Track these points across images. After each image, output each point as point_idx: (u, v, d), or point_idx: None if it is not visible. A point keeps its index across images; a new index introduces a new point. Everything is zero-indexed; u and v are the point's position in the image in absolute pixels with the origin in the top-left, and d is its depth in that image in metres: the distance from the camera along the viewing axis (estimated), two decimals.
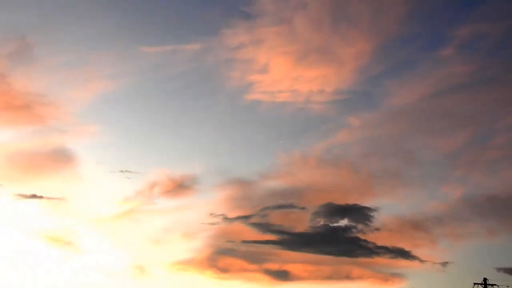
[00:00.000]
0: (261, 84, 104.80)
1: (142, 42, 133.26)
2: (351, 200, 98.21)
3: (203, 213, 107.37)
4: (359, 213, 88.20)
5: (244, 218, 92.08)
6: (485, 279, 45.32)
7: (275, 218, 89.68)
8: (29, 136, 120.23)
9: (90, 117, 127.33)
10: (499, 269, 70.50)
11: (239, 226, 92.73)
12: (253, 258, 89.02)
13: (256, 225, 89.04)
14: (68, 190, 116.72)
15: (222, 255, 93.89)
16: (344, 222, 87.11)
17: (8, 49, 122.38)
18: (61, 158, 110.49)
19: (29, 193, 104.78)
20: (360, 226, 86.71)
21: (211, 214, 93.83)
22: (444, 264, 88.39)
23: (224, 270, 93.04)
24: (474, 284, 45.58)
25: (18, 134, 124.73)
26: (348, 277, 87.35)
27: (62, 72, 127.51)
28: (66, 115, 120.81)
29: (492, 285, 45.08)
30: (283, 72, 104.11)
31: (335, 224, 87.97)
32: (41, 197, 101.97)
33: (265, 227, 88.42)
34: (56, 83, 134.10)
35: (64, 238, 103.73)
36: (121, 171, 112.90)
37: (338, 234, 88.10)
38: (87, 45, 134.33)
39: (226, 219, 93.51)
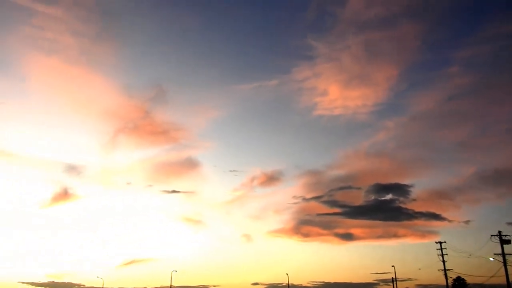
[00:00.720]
0: (322, 104, 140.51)
1: (236, 82, 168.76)
2: (393, 180, 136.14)
3: (287, 196, 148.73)
4: (399, 189, 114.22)
5: (317, 197, 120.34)
6: (499, 232, 49.36)
7: (339, 196, 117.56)
8: (168, 152, 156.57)
9: (207, 136, 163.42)
10: (509, 224, 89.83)
11: (314, 203, 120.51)
12: (325, 226, 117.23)
13: (326, 202, 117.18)
14: (196, 185, 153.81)
15: (303, 225, 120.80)
16: (389, 196, 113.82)
17: (150, 94, 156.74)
18: (190, 164, 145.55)
19: (170, 189, 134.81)
20: (401, 198, 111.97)
21: (294, 196, 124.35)
22: (467, 222, 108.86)
23: (306, 235, 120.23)
24: (491, 235, 49.41)
25: (160, 151, 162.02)
26: (395, 235, 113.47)
27: (187, 107, 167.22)
28: (191, 135, 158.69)
29: (505, 235, 49.07)
30: (337, 94, 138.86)
31: (383, 198, 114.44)
32: (178, 191, 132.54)
33: (332, 203, 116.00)
34: (183, 115, 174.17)
35: (195, 218, 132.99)
36: (230, 170, 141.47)
37: (385, 205, 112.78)
38: (201, 87, 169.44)
39: (304, 199, 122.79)
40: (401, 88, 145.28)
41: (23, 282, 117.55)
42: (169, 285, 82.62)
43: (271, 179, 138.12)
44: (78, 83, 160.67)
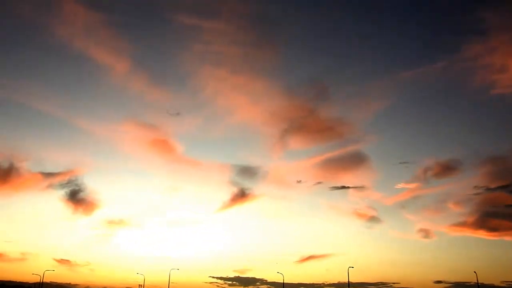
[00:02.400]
0: (502, 81, 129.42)
1: (398, 70, 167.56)
2: None
3: (467, 186, 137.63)
4: None
5: (504, 187, 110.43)
6: None
7: None
8: (334, 148, 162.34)
9: (373, 128, 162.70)
10: None
11: (500, 194, 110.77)
12: None
13: None
14: (366, 180, 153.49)
15: (489, 218, 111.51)
16: None
17: (312, 92, 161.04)
18: (358, 159, 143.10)
19: (339, 185, 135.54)
20: None
21: (475, 186, 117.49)
22: None
23: (493, 229, 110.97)
24: None
25: (327, 147, 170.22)
26: None
27: (350, 100, 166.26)
28: (357, 129, 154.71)
29: None
30: None
31: None
32: (348, 187, 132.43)
33: None
34: (347, 109, 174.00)
35: (368, 213, 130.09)
36: (400, 163, 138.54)
37: None
38: (362, 79, 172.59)
39: (488, 189, 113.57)
40: None
41: (213, 277, 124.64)
42: (347, 281, 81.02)
43: (447, 169, 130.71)
44: (244, 89, 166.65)
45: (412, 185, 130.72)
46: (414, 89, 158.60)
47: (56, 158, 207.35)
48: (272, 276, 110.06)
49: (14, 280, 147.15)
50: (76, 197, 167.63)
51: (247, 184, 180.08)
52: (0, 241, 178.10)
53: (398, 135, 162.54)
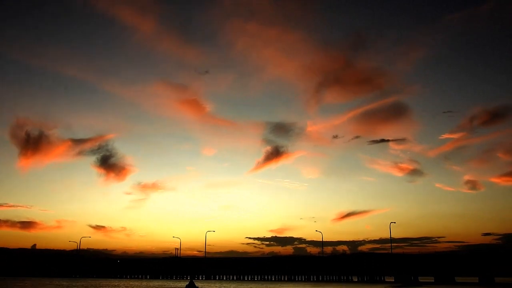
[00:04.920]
0: None
1: (440, 14, 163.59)
2: None
3: None
4: None
5: None
6: None
7: None
8: (373, 100, 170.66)
9: (414, 78, 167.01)
10: None
11: None
12: None
13: None
14: (407, 132, 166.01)
15: None
16: None
17: (349, 43, 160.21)
18: (398, 110, 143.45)
19: (378, 138, 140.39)
20: None
21: None
22: None
23: None
24: None
25: (365, 100, 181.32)
26: None
27: (389, 50, 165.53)
28: (397, 80, 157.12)
29: None
30: None
31: None
32: (388, 140, 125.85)
33: None
34: (386, 59, 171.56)
35: (409, 166, 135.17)
36: (444, 112, 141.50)
37: None
38: (403, 26, 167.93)
39: None
40: None
41: (250, 238, 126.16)
42: (389, 237, 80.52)
43: (495, 116, 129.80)
44: (277, 43, 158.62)
45: (457, 135, 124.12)
46: (459, 34, 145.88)
47: (85, 124, 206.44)
48: (310, 235, 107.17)
49: (51, 248, 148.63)
50: (107, 162, 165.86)
51: (281, 141, 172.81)
52: (35, 209, 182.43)
53: (442, 84, 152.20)
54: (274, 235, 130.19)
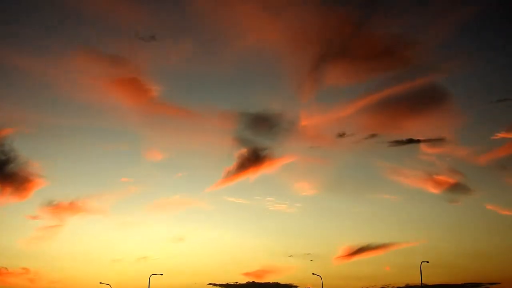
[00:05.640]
0: None
1: None
2: None
3: None
4: None
5: None
6: None
7: None
8: (395, 81, 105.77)
9: (454, 49, 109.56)
10: None
11: None
12: None
13: None
14: (445, 129, 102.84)
15: None
16: None
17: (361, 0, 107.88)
18: (431, 97, 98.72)
19: (404, 138, 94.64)
20: None
21: None
22: None
23: None
24: None
25: (383, 81, 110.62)
26: None
27: (418, 10, 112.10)
28: (430, 52, 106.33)
29: None
30: None
31: None
32: (418, 140, 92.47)
33: None
34: (414, 23, 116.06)
35: (450, 180, 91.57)
36: (499, 100, 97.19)
37: None
38: None
39: None
40: None
41: (214, 284, 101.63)
42: (419, 283, 63.34)
43: None
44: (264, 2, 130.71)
45: None
46: None
47: None
48: (304, 280, 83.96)
49: None
50: (2, 171, 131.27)
51: (262, 141, 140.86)
52: None
53: (493, 59, 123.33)
54: (250, 280, 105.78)
